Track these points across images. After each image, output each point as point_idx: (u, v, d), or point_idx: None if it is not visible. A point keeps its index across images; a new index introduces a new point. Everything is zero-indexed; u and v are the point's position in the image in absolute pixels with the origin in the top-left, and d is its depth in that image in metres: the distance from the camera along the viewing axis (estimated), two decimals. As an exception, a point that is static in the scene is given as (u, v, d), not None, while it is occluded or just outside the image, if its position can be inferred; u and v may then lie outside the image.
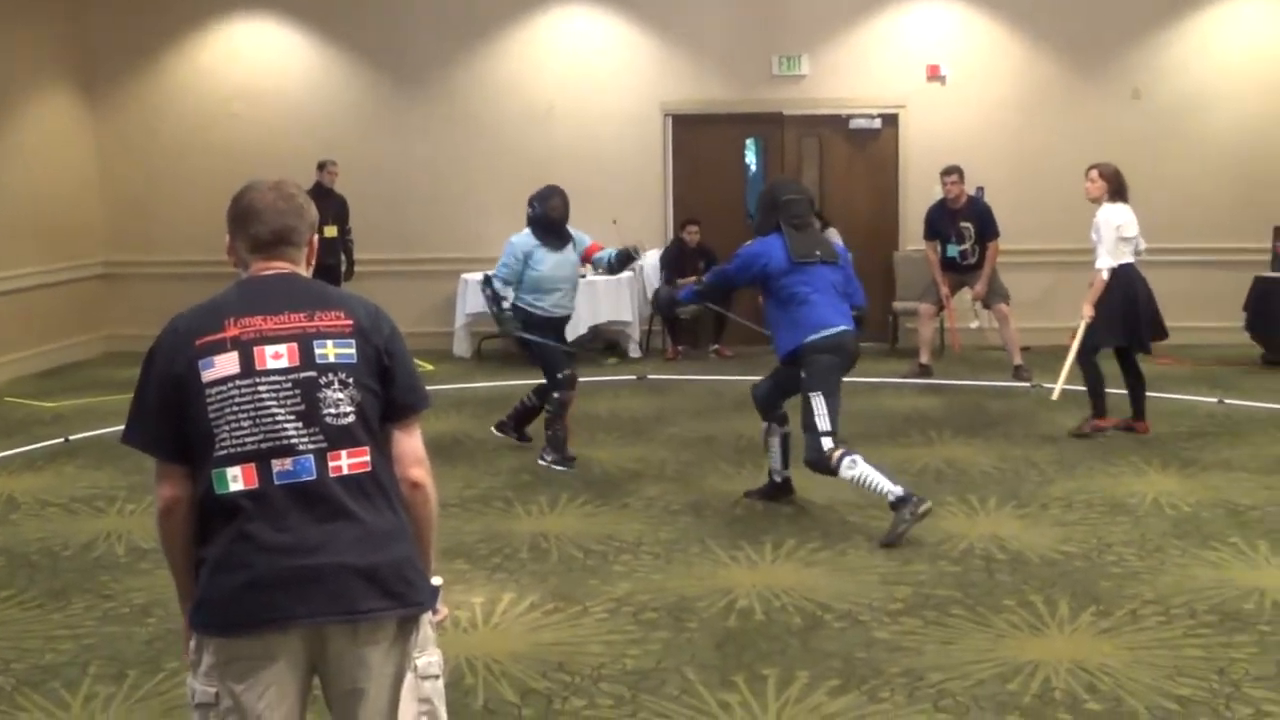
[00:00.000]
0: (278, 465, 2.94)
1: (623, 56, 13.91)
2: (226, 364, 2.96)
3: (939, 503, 7.56)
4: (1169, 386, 11.12)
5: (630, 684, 5.07)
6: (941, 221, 12.10)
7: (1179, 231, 13.56)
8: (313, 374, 2.98)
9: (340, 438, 2.97)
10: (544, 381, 8.83)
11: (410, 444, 3.11)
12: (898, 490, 6.84)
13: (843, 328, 7.17)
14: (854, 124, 13.91)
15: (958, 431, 9.52)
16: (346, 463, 2.97)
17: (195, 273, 13.86)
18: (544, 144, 13.89)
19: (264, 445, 2.94)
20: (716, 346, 13.38)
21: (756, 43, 13.77)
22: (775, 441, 7.62)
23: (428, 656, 3.08)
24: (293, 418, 2.95)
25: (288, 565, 2.91)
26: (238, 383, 2.95)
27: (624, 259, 8.84)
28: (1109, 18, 13.52)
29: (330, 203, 12.49)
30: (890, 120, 13.85)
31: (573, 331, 12.60)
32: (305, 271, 3.19)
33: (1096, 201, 9.14)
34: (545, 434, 8.71)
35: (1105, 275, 9.02)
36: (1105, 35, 13.57)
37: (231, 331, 3.00)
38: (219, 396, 2.95)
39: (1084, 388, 9.34)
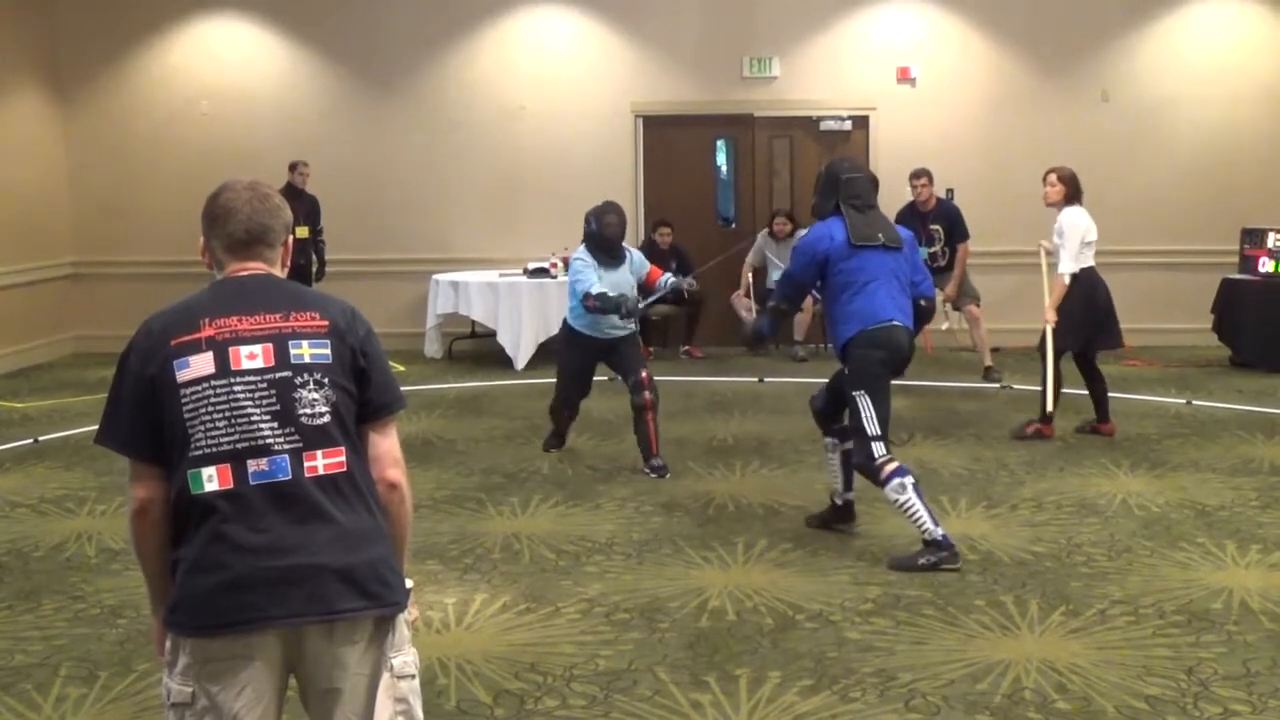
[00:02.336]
0: (253, 465, 2.94)
1: (593, 57, 13.92)
2: (202, 364, 2.96)
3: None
4: (1137, 388, 11.20)
5: (602, 684, 5.08)
6: (911, 224, 12.12)
7: (1147, 234, 13.66)
8: (288, 374, 2.98)
9: (316, 438, 2.97)
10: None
11: (387, 445, 3.12)
12: (938, 534, 6.43)
13: (895, 321, 6.59)
14: (824, 125, 13.95)
15: (929, 433, 9.55)
16: (322, 463, 2.97)
17: (164, 273, 13.83)
18: (515, 145, 13.90)
19: (239, 445, 2.94)
20: (687, 347, 13.40)
21: (727, 44, 13.79)
22: (835, 460, 7.06)
23: (403, 656, 3.08)
24: (268, 418, 2.95)
25: (264, 566, 2.91)
26: (213, 383, 2.95)
27: (677, 293, 8.89)
28: (1078, 21, 13.61)
29: (301, 203, 12.46)
30: (861, 122, 13.89)
31: (545, 331, 12.71)
32: (280, 272, 3.19)
33: (1055, 206, 9.16)
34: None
35: (1067, 280, 9.03)
36: (1074, 38, 13.65)
37: (207, 332, 3.00)
38: (194, 397, 2.95)
39: (1038, 388, 9.42)
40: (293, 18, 13.94)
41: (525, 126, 13.92)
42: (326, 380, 3.00)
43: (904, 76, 13.76)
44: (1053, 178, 9.21)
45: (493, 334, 12.94)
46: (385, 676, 3.04)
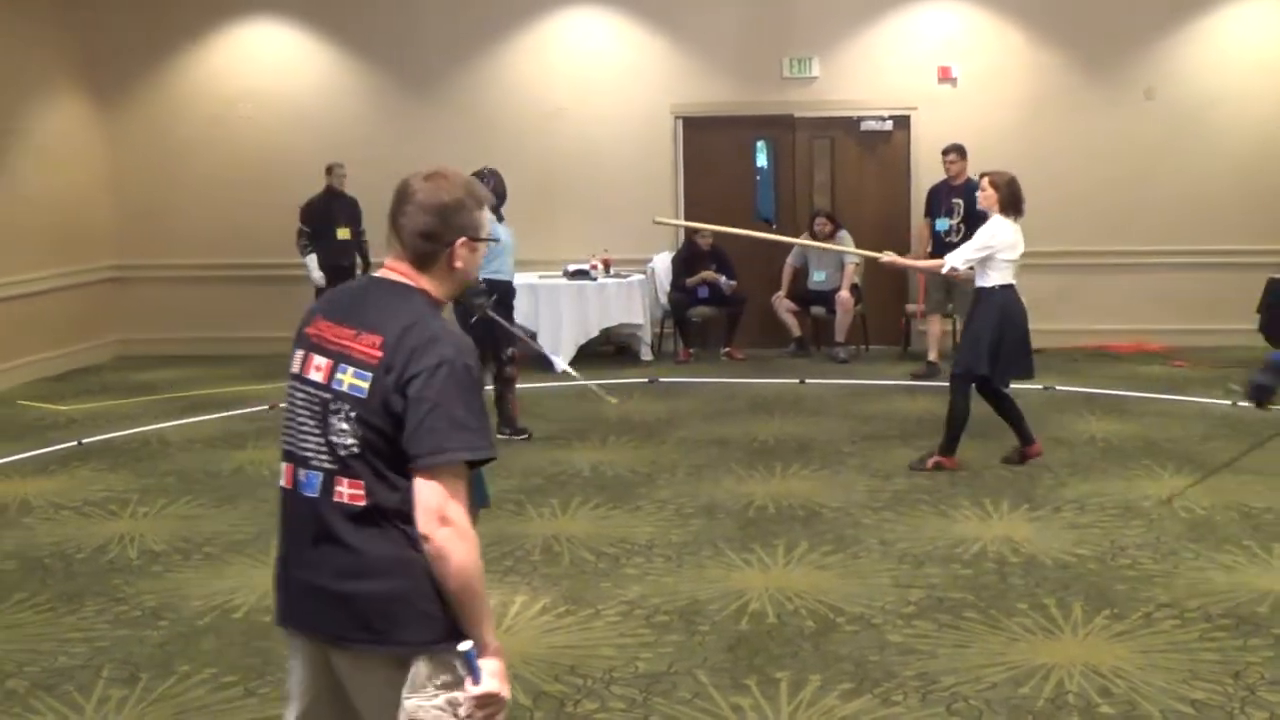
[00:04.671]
0: (300, 473, 2.97)
1: (632, 58, 13.90)
2: (297, 361, 3.03)
3: (953, 505, 7.56)
4: (1182, 389, 11.09)
5: (642, 687, 5.06)
6: (939, 195, 12.34)
7: (1191, 233, 13.53)
8: (329, 397, 2.93)
9: (344, 466, 2.91)
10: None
11: (422, 495, 2.85)
12: None
13: None
14: (865, 126, 13.88)
15: (970, 434, 9.43)
16: (347, 492, 2.91)
17: (206, 276, 13.93)
18: (553, 146, 13.88)
19: (293, 450, 2.99)
20: (728, 349, 13.37)
21: (767, 44, 13.74)
22: None
23: (418, 700, 2.91)
24: (316, 433, 2.94)
25: (291, 575, 3.00)
26: (294, 383, 3.01)
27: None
28: (1120, 19, 13.48)
29: (342, 205, 12.48)
30: (901, 122, 13.81)
31: (584, 334, 12.75)
32: (430, 279, 3.03)
33: (989, 211, 8.41)
34: (496, 408, 9.50)
35: (945, 269, 8.52)
36: (1117, 36, 13.53)
37: (311, 329, 3.03)
38: (288, 390, 3.04)
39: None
40: (330, 21, 13.97)
41: (564, 128, 13.90)
42: (354, 415, 2.89)
43: (945, 76, 13.67)
44: (984, 181, 8.47)
45: (532, 335, 12.94)
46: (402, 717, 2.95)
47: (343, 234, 12.41)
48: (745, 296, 13.27)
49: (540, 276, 13.06)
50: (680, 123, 13.91)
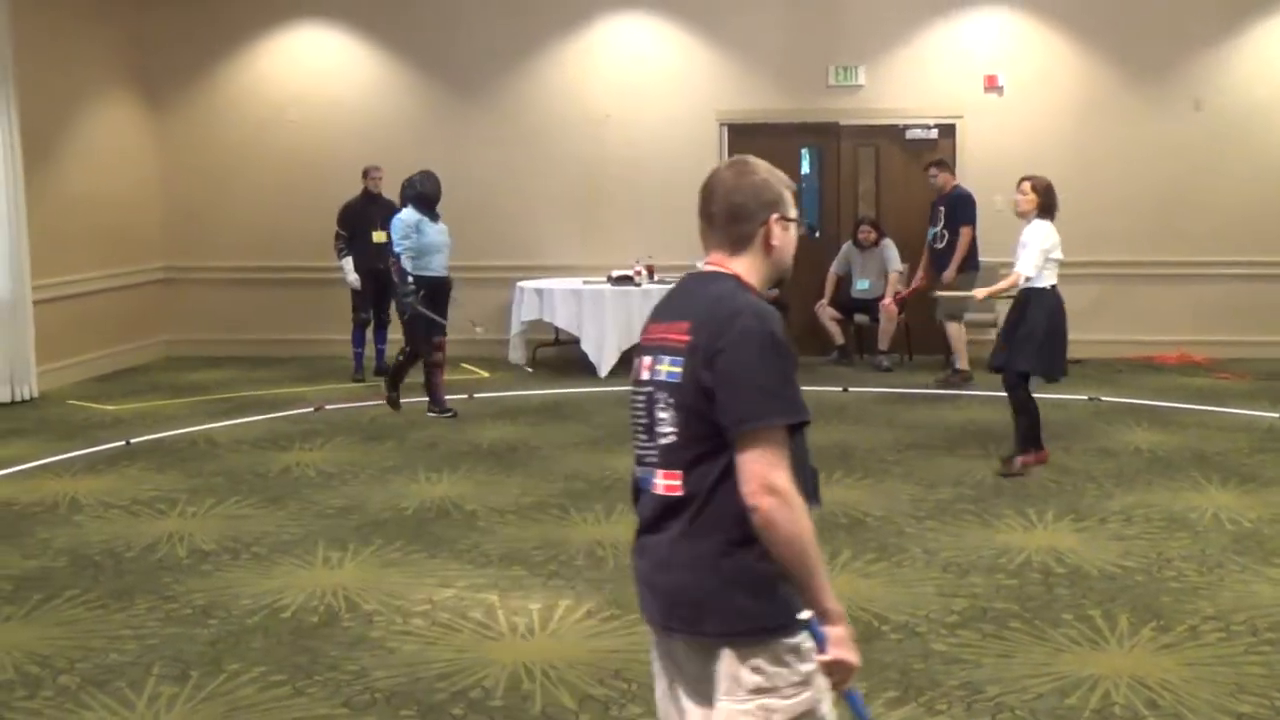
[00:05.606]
0: (638, 470, 3.08)
1: (678, 66, 13.92)
2: (636, 367, 3.10)
3: (997, 515, 7.54)
4: (1228, 401, 11.02)
5: (687, 692, 5.07)
6: (932, 207, 12.44)
7: (1237, 244, 13.45)
8: (652, 390, 3.00)
9: (664, 457, 2.98)
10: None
11: (745, 465, 2.84)
12: None
13: None
14: (910, 134, 13.86)
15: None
16: (663, 483, 2.97)
17: (253, 278, 14.03)
18: (599, 153, 13.93)
19: (636, 450, 3.08)
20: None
21: (812, 53, 13.74)
22: None
23: (731, 703, 2.91)
24: (644, 431, 3.03)
25: (636, 565, 3.12)
26: (632, 388, 3.09)
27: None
28: (1168, 29, 13.42)
29: (380, 208, 12.50)
30: (947, 131, 13.78)
31: (628, 339, 12.77)
32: (746, 261, 3.06)
33: (1025, 216, 8.52)
34: (425, 390, 10.62)
35: (1022, 280, 8.44)
36: (1165, 46, 13.46)
37: (643, 335, 3.12)
38: (630, 398, 3.14)
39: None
40: (379, 27, 14.06)
41: (610, 134, 13.94)
42: (673, 401, 2.94)
43: (991, 85, 13.64)
44: (1025, 185, 8.57)
45: (576, 341, 12.98)
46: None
47: (379, 237, 12.45)
48: (787, 303, 13.26)
49: (584, 282, 13.08)
50: (725, 130, 13.92)
